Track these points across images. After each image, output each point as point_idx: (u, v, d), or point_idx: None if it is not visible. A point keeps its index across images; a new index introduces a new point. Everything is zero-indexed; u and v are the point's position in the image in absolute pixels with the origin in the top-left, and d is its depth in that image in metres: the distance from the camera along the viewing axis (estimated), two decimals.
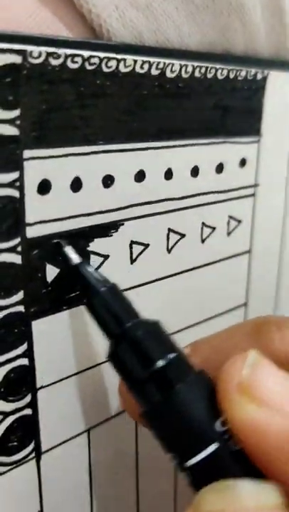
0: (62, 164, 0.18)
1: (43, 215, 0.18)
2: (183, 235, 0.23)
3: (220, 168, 0.24)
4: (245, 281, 0.28)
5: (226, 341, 0.19)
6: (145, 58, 0.19)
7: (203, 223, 0.24)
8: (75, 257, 0.18)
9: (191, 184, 0.23)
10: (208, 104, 0.22)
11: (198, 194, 0.24)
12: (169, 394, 0.16)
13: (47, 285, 0.19)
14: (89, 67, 0.18)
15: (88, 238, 0.20)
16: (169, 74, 0.20)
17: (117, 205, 0.20)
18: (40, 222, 0.18)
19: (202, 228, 0.24)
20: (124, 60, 0.18)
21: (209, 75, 0.22)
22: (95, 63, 0.18)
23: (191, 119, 0.22)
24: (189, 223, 0.24)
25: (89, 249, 0.20)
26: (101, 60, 0.18)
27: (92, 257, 0.20)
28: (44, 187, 0.18)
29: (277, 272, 0.30)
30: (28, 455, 0.20)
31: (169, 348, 0.17)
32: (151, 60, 0.19)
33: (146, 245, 0.22)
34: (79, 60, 0.17)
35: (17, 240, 0.17)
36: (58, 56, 0.17)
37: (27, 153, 0.17)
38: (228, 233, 0.26)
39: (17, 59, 0.16)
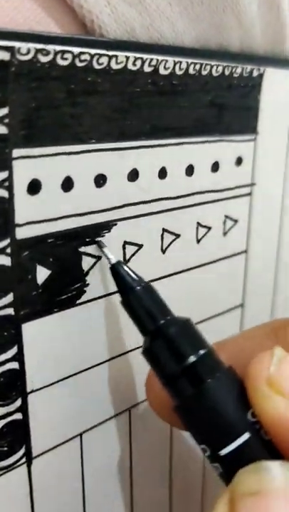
0: (52, 163, 0.18)
1: (33, 216, 0.17)
2: (178, 235, 0.23)
3: (215, 167, 0.24)
4: (241, 282, 0.27)
5: (247, 341, 0.20)
6: (138, 55, 0.19)
7: (198, 223, 0.24)
8: (112, 257, 0.19)
9: (186, 183, 0.23)
10: (203, 101, 0.22)
11: (194, 193, 0.23)
12: (202, 388, 0.17)
13: (37, 287, 0.18)
14: (79, 64, 0.17)
15: (80, 239, 0.19)
16: (162, 71, 0.20)
17: (110, 204, 0.20)
18: (30, 222, 0.17)
19: (197, 228, 0.24)
20: (116, 56, 0.18)
21: (204, 72, 0.21)
22: (85, 60, 0.17)
23: (186, 116, 0.22)
24: (184, 223, 0.23)
25: (81, 250, 0.19)
26: (92, 56, 0.17)
27: (85, 258, 0.19)
28: (34, 187, 0.17)
29: (274, 273, 0.30)
30: (18, 460, 0.19)
31: (200, 344, 0.18)
32: (144, 56, 0.19)
33: (140, 246, 0.22)
34: (69, 56, 0.17)
35: (6, 242, 0.17)
36: (48, 53, 0.16)
37: (16, 153, 0.16)
38: (224, 233, 0.25)
39: (5, 56, 0.15)
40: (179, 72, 0.20)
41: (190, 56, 0.21)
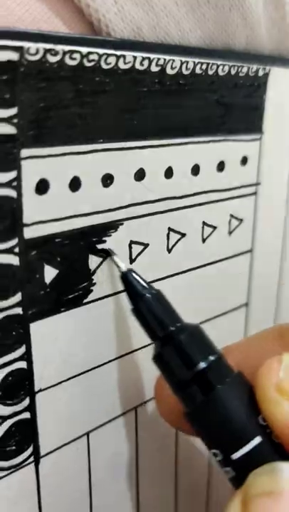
0: (60, 163, 0.18)
1: (41, 216, 0.17)
2: (183, 235, 0.23)
3: (221, 167, 0.24)
4: (246, 281, 0.27)
5: (254, 346, 0.21)
6: (145, 54, 0.19)
7: (204, 222, 0.24)
8: (122, 265, 0.20)
9: (192, 183, 0.23)
10: (209, 101, 0.22)
11: (199, 193, 0.23)
12: (213, 393, 0.17)
13: (45, 287, 0.18)
14: (88, 64, 0.17)
15: (87, 238, 0.19)
16: (169, 70, 0.20)
17: (117, 204, 0.20)
18: (38, 222, 0.17)
19: (203, 227, 0.24)
20: (124, 56, 0.18)
21: (210, 72, 0.21)
22: (93, 60, 0.17)
23: (192, 116, 0.22)
24: (190, 222, 0.23)
25: (88, 249, 0.19)
26: (100, 56, 0.17)
27: (92, 258, 0.20)
28: (42, 187, 0.17)
29: (279, 272, 0.30)
30: (26, 459, 0.19)
31: (210, 350, 0.18)
32: (151, 56, 0.19)
33: (146, 245, 0.22)
34: (77, 56, 0.17)
35: (14, 241, 0.17)
36: (56, 53, 0.16)
37: (24, 153, 0.16)
38: (230, 232, 0.25)
39: (14, 56, 0.15)
40: (185, 72, 0.20)
41: (197, 56, 0.21)
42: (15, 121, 0.16)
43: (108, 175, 0.19)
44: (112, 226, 0.20)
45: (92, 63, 0.17)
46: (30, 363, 0.18)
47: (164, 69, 0.20)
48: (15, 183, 0.16)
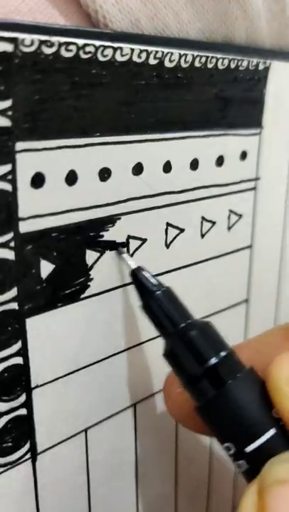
0: (56, 157, 0.17)
1: (36, 210, 0.17)
2: (182, 230, 0.23)
3: (220, 161, 0.24)
4: (246, 277, 0.27)
5: (264, 344, 0.21)
6: (143, 47, 0.19)
7: (203, 217, 0.24)
8: (132, 263, 0.20)
9: (191, 177, 0.23)
10: (209, 94, 0.22)
11: (198, 188, 0.23)
12: (226, 387, 0.18)
13: (41, 281, 0.18)
14: (84, 56, 0.17)
15: (84, 233, 0.19)
16: (167, 63, 0.20)
17: (114, 198, 0.20)
18: (34, 216, 0.17)
19: (202, 223, 0.24)
20: (121, 48, 0.18)
21: (210, 65, 0.21)
22: (90, 52, 0.17)
23: (191, 110, 0.21)
24: (189, 217, 0.23)
25: (85, 244, 0.19)
26: (96, 48, 0.17)
27: (89, 253, 0.19)
28: (38, 180, 0.17)
29: (279, 268, 0.29)
30: (23, 456, 0.19)
31: (221, 345, 0.19)
32: (149, 48, 0.19)
33: (144, 240, 0.21)
34: (73, 48, 0.16)
35: (10, 235, 0.17)
36: (52, 44, 0.16)
37: (19, 146, 0.16)
38: (229, 228, 0.25)
39: (8, 47, 0.15)
40: (184, 65, 0.20)
41: (196, 49, 0.20)
42: (9, 113, 0.16)
43: (105, 169, 0.19)
44: (110, 221, 0.20)
45: (88, 55, 0.17)
46: (26, 358, 0.18)
47: (162, 62, 0.19)
48: (10, 177, 0.16)
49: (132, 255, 0.21)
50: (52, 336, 0.19)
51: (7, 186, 0.16)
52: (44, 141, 0.17)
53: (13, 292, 0.17)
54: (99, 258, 0.20)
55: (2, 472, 0.19)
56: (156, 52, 0.19)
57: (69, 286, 0.19)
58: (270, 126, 0.25)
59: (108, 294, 0.20)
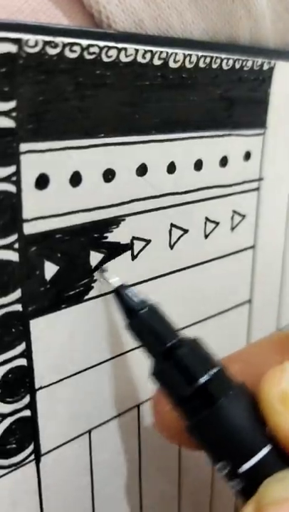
0: (60, 158, 0.17)
1: (41, 211, 0.17)
2: (186, 231, 0.23)
3: (224, 162, 0.24)
4: (249, 278, 0.27)
5: (255, 356, 0.21)
6: (147, 47, 0.18)
7: (206, 218, 0.24)
8: (114, 281, 0.19)
9: (195, 178, 0.22)
10: (213, 95, 0.22)
11: (202, 188, 0.23)
12: (217, 406, 0.17)
13: (45, 283, 0.18)
14: (88, 57, 0.17)
15: (88, 234, 0.19)
16: (172, 64, 0.20)
17: (118, 200, 0.20)
18: (38, 218, 0.17)
19: (205, 223, 0.24)
20: (125, 49, 0.18)
21: (214, 65, 0.21)
22: (94, 52, 0.17)
23: (195, 110, 0.21)
24: (192, 218, 0.23)
25: (89, 245, 0.19)
26: (101, 49, 0.17)
27: (92, 254, 0.19)
28: (42, 182, 0.17)
29: (282, 268, 0.29)
30: (27, 457, 0.19)
31: (210, 363, 0.18)
32: (154, 49, 0.19)
33: (148, 241, 0.21)
34: (77, 49, 0.16)
35: (14, 237, 0.17)
36: (56, 45, 0.16)
37: (24, 147, 0.16)
38: (232, 228, 0.25)
39: (12, 48, 0.15)
40: (188, 66, 0.20)
41: (200, 49, 0.20)
42: (14, 114, 0.15)
43: (109, 170, 0.19)
44: (114, 222, 0.20)
45: (92, 56, 0.17)
46: (30, 360, 0.18)
47: (166, 62, 0.19)
48: (14, 178, 0.16)
49: (136, 256, 0.21)
50: (56, 338, 0.19)
51: (11, 188, 0.16)
52: (48, 142, 0.17)
53: (17, 294, 0.17)
54: (103, 259, 0.20)
55: (6, 474, 0.19)
56: (161, 52, 0.19)
57: (73, 288, 0.19)
58: (274, 126, 0.25)
59: (112, 296, 0.20)
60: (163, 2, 0.19)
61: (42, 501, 0.20)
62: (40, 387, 0.19)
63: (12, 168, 0.16)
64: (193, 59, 0.20)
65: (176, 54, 0.19)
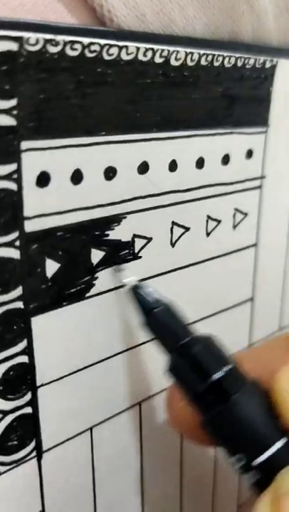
0: (61, 156, 0.17)
1: (42, 209, 0.17)
2: (187, 229, 0.23)
3: (226, 160, 0.24)
4: (251, 276, 0.27)
5: (265, 355, 0.21)
6: (148, 45, 0.18)
7: (208, 216, 0.24)
8: (129, 280, 0.20)
9: (196, 176, 0.22)
10: (215, 93, 0.22)
11: (204, 186, 0.23)
12: (233, 400, 0.18)
13: (47, 280, 0.18)
14: (89, 55, 0.17)
15: (90, 232, 0.19)
16: (173, 62, 0.20)
17: (120, 197, 0.20)
18: (40, 215, 0.17)
19: (207, 221, 0.24)
20: (126, 47, 0.18)
21: (216, 63, 0.21)
22: (95, 50, 0.17)
23: (197, 108, 0.21)
24: (194, 216, 0.23)
25: (90, 243, 0.19)
26: (102, 47, 0.17)
27: (94, 252, 0.19)
28: (43, 179, 0.17)
29: (284, 266, 0.29)
30: (28, 454, 0.19)
31: (224, 359, 0.19)
32: (155, 47, 0.19)
33: (150, 239, 0.21)
34: (78, 47, 0.16)
35: (15, 234, 0.17)
36: (57, 43, 0.16)
37: (25, 145, 0.16)
38: (234, 226, 0.25)
39: (13, 46, 0.15)
40: (190, 63, 0.20)
41: (202, 47, 0.20)
42: (14, 112, 0.15)
43: (111, 168, 0.19)
44: (115, 220, 0.20)
45: (93, 54, 0.17)
46: (31, 357, 0.18)
47: (168, 60, 0.19)
48: (15, 176, 0.16)
49: (137, 254, 0.21)
50: (57, 335, 0.19)
51: (12, 185, 0.16)
52: (49, 140, 0.17)
53: (18, 291, 0.17)
54: (104, 257, 0.20)
55: (7, 470, 0.19)
56: (162, 50, 0.19)
57: (74, 285, 0.19)
58: (276, 124, 0.25)
59: (113, 293, 0.20)
60: None
61: (43, 498, 0.20)
62: (42, 385, 0.19)
63: (13, 166, 0.16)
64: (195, 57, 0.20)
65: (177, 52, 0.19)
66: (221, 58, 0.21)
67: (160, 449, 0.25)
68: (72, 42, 0.16)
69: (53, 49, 0.16)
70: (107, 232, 0.20)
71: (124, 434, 0.23)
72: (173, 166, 0.21)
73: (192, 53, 0.20)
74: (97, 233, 0.19)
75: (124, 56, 0.18)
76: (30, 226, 0.17)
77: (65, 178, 0.18)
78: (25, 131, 0.16)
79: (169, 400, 0.20)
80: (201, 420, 0.18)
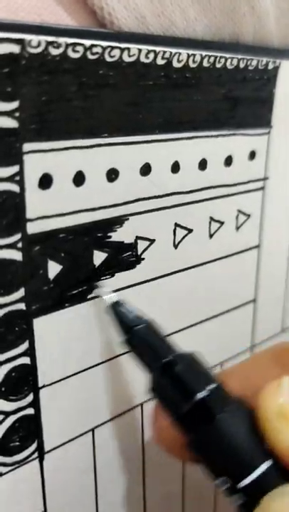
0: (64, 158, 0.17)
1: (44, 211, 0.17)
2: (190, 230, 0.23)
3: (229, 161, 0.24)
4: (254, 277, 0.27)
5: (251, 370, 0.20)
6: (150, 47, 0.18)
7: (211, 218, 0.24)
8: (109, 297, 0.20)
9: (199, 177, 0.22)
10: (217, 94, 0.22)
11: (206, 188, 0.23)
12: (216, 422, 0.17)
13: (49, 282, 0.18)
14: (91, 57, 0.17)
15: (92, 234, 0.19)
16: (175, 63, 0.20)
17: (122, 199, 0.20)
18: (42, 217, 0.17)
19: (210, 223, 0.24)
20: (128, 49, 0.18)
21: (218, 65, 0.21)
22: (97, 53, 0.17)
23: (199, 110, 0.21)
24: (197, 218, 0.23)
25: (92, 245, 0.19)
26: (104, 49, 0.17)
27: (96, 253, 0.19)
28: (45, 181, 0.17)
29: (287, 268, 0.29)
30: (30, 455, 0.19)
31: (208, 378, 0.18)
32: (157, 49, 0.19)
33: (152, 241, 0.21)
34: (80, 49, 0.16)
35: (17, 236, 0.17)
36: (59, 45, 0.16)
37: (27, 147, 0.16)
38: (237, 228, 0.25)
39: (15, 48, 0.15)
40: (192, 65, 0.20)
41: (204, 48, 0.20)
42: (17, 114, 0.16)
43: (113, 169, 0.19)
44: (118, 221, 0.20)
45: (95, 56, 0.17)
46: (33, 358, 0.18)
47: (170, 62, 0.19)
48: (17, 178, 0.16)
49: (140, 256, 0.21)
50: (59, 336, 0.19)
51: (15, 187, 0.16)
52: (51, 142, 0.17)
53: (20, 293, 0.17)
54: (106, 258, 0.20)
55: (10, 471, 0.19)
56: (164, 52, 0.19)
57: (76, 287, 0.19)
58: (279, 125, 0.25)
59: (115, 294, 0.20)
60: None
61: (45, 499, 0.20)
62: (44, 386, 0.19)
63: (15, 168, 0.16)
64: (197, 58, 0.20)
65: (179, 54, 0.19)
66: (223, 60, 0.21)
67: (162, 450, 0.25)
68: (74, 44, 0.16)
69: (54, 51, 0.16)
70: (109, 234, 0.20)
71: (126, 435, 0.23)
72: (175, 168, 0.21)
73: (194, 55, 0.20)
74: (99, 235, 0.19)
75: (126, 58, 0.18)
76: (32, 228, 0.17)
77: (68, 180, 0.18)
78: (27, 134, 0.16)
79: (153, 420, 0.20)
80: (186, 440, 0.18)
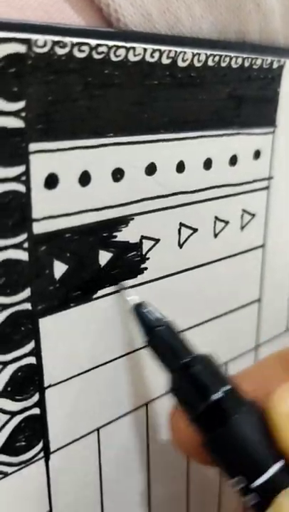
0: (69, 157, 0.17)
1: (50, 211, 0.17)
2: (195, 230, 0.23)
3: (233, 161, 0.24)
4: (258, 277, 0.27)
5: (259, 374, 0.21)
6: (155, 46, 0.18)
7: (216, 217, 0.24)
8: (132, 299, 0.20)
9: (204, 177, 0.22)
10: (222, 94, 0.22)
11: (211, 187, 0.23)
12: (232, 422, 0.18)
13: (55, 282, 0.18)
14: (96, 56, 0.17)
15: (97, 234, 0.19)
16: (180, 63, 0.20)
17: (127, 199, 0.20)
18: (48, 217, 0.17)
19: (215, 222, 0.24)
20: (134, 48, 0.18)
21: (223, 64, 0.21)
22: (102, 52, 0.17)
23: (204, 109, 0.21)
24: (202, 217, 0.23)
25: (98, 245, 0.19)
26: (109, 48, 0.17)
27: (101, 253, 0.19)
28: (51, 181, 0.17)
29: None
30: (36, 455, 0.19)
31: (223, 380, 0.19)
32: (162, 48, 0.19)
33: (157, 240, 0.21)
34: (86, 48, 0.16)
35: (23, 236, 0.17)
36: (64, 45, 0.16)
37: (33, 147, 0.16)
38: (242, 227, 0.25)
39: (21, 48, 0.15)
40: (197, 64, 0.20)
41: (209, 48, 0.20)
42: (23, 114, 0.16)
43: (118, 169, 0.19)
44: (123, 221, 0.20)
45: (101, 55, 0.17)
46: (39, 358, 0.18)
47: (175, 61, 0.19)
48: (23, 178, 0.16)
49: (145, 256, 0.21)
50: (65, 336, 0.19)
51: (21, 187, 0.16)
52: (57, 142, 0.17)
53: (26, 293, 0.17)
54: (112, 258, 0.20)
55: (15, 471, 0.19)
56: (169, 51, 0.19)
57: (82, 287, 0.19)
58: (283, 124, 0.25)
59: (120, 294, 0.20)
60: None
61: (51, 499, 0.20)
62: (50, 386, 0.19)
63: (21, 168, 0.16)
64: (202, 58, 0.20)
65: (184, 53, 0.19)
66: (228, 59, 0.21)
67: (167, 450, 0.25)
68: (80, 43, 0.16)
69: (60, 51, 0.16)
70: (114, 234, 0.20)
71: (131, 435, 0.23)
72: (180, 167, 0.21)
73: (199, 54, 0.20)
74: (104, 235, 0.19)
75: (131, 57, 0.18)
76: (38, 228, 0.17)
77: (73, 180, 0.18)
78: (33, 133, 0.16)
79: (171, 421, 0.20)
80: (202, 441, 0.18)
